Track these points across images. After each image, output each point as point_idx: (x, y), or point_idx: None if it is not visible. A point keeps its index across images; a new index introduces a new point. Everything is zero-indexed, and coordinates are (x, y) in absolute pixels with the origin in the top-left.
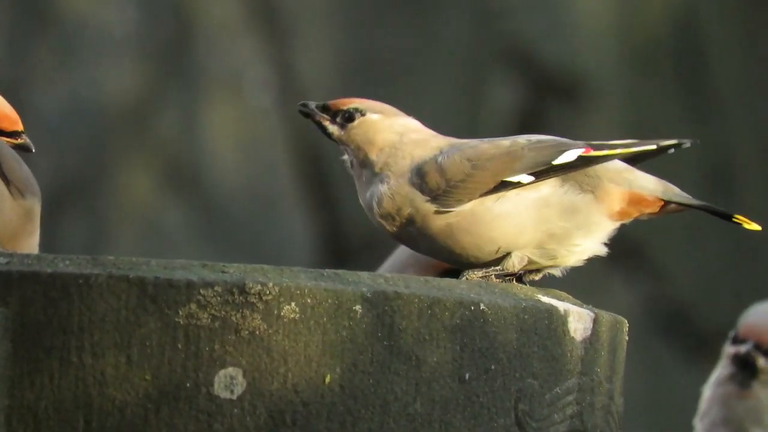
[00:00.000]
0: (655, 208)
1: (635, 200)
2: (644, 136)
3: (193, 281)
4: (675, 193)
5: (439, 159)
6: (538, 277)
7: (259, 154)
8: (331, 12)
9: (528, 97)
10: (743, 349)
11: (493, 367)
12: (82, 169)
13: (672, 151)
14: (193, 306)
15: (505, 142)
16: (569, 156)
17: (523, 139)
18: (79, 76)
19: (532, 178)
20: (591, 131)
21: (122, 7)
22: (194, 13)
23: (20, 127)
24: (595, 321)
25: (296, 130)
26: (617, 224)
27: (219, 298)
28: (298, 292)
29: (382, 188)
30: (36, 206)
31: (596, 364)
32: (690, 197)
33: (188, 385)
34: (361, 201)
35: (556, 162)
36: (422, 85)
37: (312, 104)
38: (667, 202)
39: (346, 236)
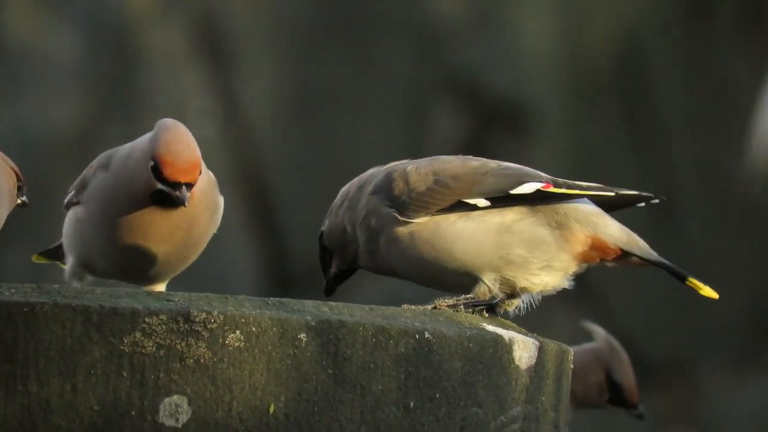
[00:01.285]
0: (615, 256)
1: (597, 245)
2: (588, 165)
3: (138, 309)
4: (637, 245)
5: (408, 167)
6: (511, 308)
7: None
8: (274, 42)
9: (471, 125)
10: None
11: (437, 395)
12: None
13: (638, 204)
14: (138, 334)
15: (475, 163)
16: (527, 188)
17: (494, 163)
18: (23, 105)
19: (488, 203)
20: (535, 160)
21: (66, 37)
22: (138, 44)
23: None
24: (541, 349)
25: (240, 159)
26: (581, 264)
27: (164, 327)
28: (243, 320)
29: (360, 214)
30: None
31: (541, 393)
32: (651, 251)
33: (133, 413)
34: (363, 263)
35: (513, 191)
36: (365, 115)
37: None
38: (626, 253)
39: (291, 264)
